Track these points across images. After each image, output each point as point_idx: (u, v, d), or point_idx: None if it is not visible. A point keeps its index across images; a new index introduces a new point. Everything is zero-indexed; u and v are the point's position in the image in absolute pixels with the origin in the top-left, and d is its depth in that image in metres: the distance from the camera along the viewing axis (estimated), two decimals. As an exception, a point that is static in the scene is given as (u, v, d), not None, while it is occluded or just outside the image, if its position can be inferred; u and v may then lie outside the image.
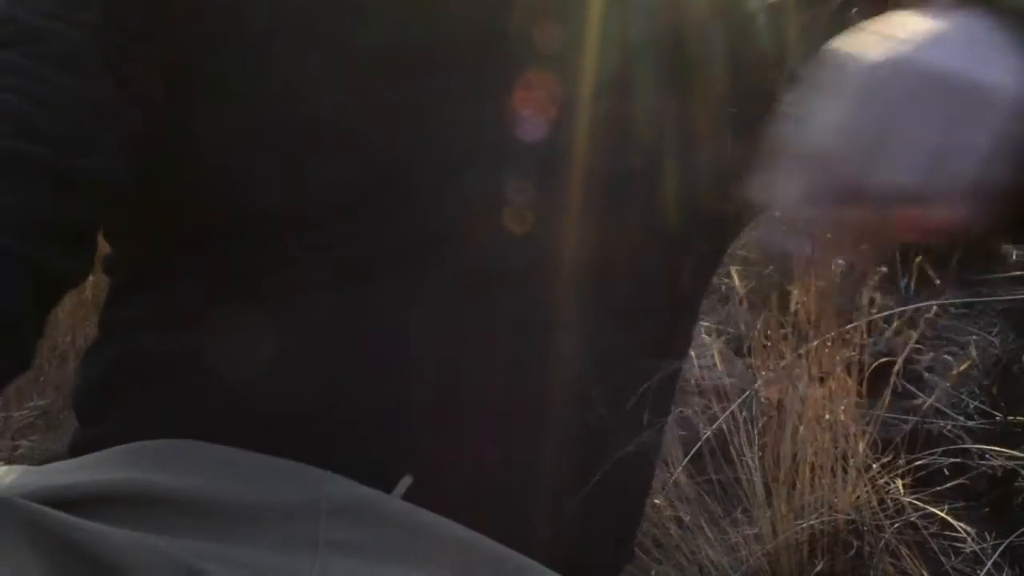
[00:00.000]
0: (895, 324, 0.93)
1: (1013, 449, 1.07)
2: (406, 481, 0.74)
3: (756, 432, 0.94)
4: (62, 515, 0.63)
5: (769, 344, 0.97)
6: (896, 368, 1.10)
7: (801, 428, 0.94)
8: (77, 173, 0.68)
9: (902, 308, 1.08)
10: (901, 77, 0.57)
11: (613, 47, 0.76)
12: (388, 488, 0.72)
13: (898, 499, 1.00)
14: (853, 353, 0.94)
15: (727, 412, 1.00)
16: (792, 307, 0.93)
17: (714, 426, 0.96)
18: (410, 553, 0.69)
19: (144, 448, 0.74)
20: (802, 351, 0.95)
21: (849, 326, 1.01)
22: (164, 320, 0.78)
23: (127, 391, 0.76)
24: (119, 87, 0.70)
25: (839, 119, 0.57)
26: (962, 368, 1.12)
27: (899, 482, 1.01)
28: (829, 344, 0.94)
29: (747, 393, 0.94)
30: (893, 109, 0.56)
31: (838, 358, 0.93)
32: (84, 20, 0.69)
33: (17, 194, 0.64)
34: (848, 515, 0.94)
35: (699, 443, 0.98)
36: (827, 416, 0.94)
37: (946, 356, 1.15)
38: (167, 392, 0.76)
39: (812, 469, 0.94)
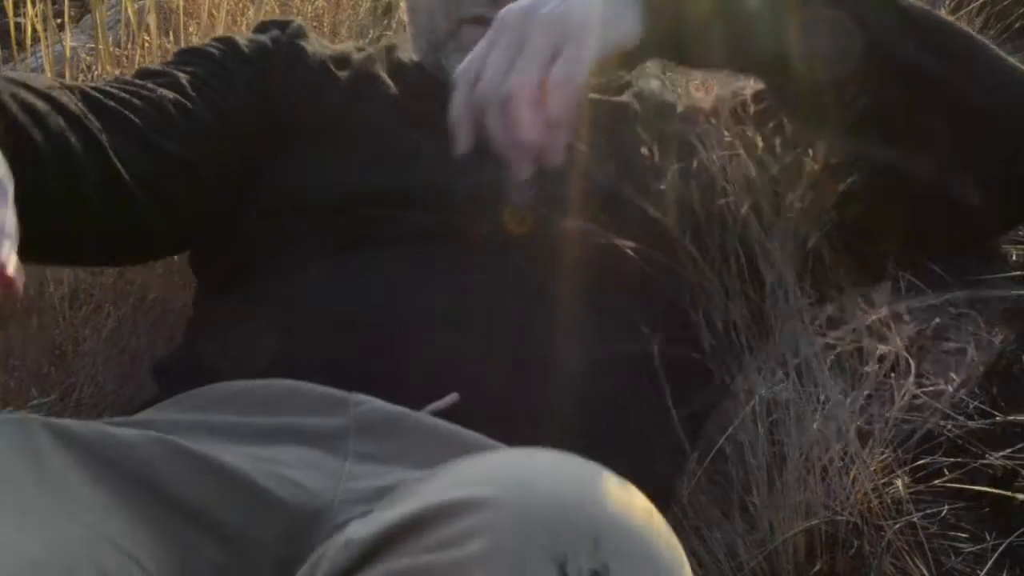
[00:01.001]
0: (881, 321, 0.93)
1: (1013, 449, 1.08)
2: (452, 397, 0.76)
3: (760, 432, 0.94)
4: (88, 426, 0.66)
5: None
6: (897, 368, 1.10)
7: (802, 428, 0.94)
8: (153, 141, 0.90)
9: (903, 306, 1.08)
10: (507, 17, 0.78)
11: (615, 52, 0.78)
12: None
13: (899, 499, 1.00)
14: (851, 350, 0.94)
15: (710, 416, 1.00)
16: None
17: (726, 434, 0.96)
18: (426, 458, 0.72)
19: (190, 395, 0.80)
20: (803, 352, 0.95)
21: (849, 326, 1.01)
22: (206, 299, 0.98)
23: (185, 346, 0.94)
24: (207, 105, 0.95)
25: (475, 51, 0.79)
26: (961, 369, 1.12)
27: (899, 482, 1.01)
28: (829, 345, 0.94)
29: (756, 398, 0.94)
30: (493, 40, 0.78)
31: (838, 358, 0.93)
32: (192, 70, 0.98)
33: (113, 136, 0.87)
34: (848, 515, 0.94)
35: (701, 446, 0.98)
36: (827, 416, 0.94)
37: (946, 356, 1.15)
38: (201, 351, 0.89)
39: (812, 469, 0.94)
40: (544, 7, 0.77)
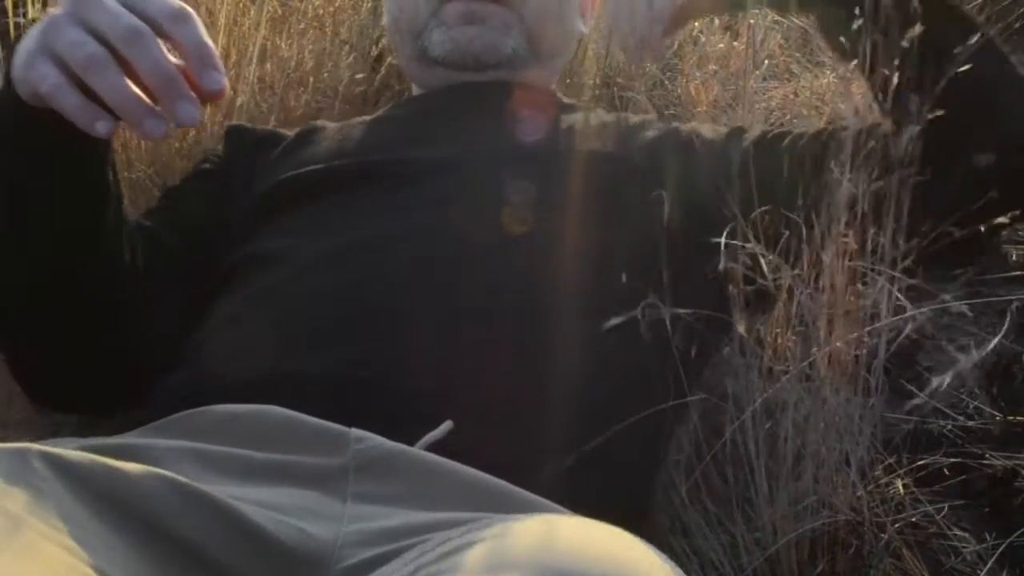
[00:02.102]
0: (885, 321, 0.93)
1: (1013, 449, 1.07)
2: (447, 425, 0.76)
3: (760, 433, 0.94)
4: (88, 457, 0.65)
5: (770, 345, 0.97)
6: (896, 368, 1.10)
7: (802, 429, 0.94)
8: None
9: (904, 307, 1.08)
10: None
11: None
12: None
13: (899, 499, 1.00)
14: (854, 352, 0.94)
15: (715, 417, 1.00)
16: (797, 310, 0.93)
17: (727, 435, 0.96)
18: (427, 498, 0.72)
19: (181, 419, 0.79)
20: (804, 352, 0.95)
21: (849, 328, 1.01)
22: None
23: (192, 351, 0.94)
24: (168, 223, 1.04)
25: None
26: (962, 368, 1.12)
27: (899, 482, 1.01)
28: (830, 346, 0.94)
29: (760, 399, 0.94)
30: None
31: (839, 358, 0.93)
32: (155, 209, 1.07)
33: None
34: (848, 515, 0.94)
35: (697, 446, 0.98)
36: (828, 416, 0.94)
37: (946, 356, 1.15)
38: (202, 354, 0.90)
39: (812, 469, 0.94)
40: None
